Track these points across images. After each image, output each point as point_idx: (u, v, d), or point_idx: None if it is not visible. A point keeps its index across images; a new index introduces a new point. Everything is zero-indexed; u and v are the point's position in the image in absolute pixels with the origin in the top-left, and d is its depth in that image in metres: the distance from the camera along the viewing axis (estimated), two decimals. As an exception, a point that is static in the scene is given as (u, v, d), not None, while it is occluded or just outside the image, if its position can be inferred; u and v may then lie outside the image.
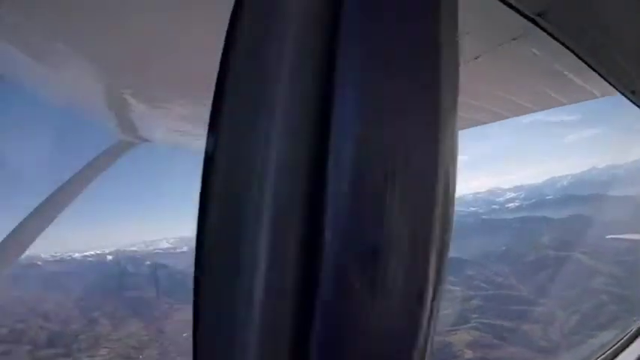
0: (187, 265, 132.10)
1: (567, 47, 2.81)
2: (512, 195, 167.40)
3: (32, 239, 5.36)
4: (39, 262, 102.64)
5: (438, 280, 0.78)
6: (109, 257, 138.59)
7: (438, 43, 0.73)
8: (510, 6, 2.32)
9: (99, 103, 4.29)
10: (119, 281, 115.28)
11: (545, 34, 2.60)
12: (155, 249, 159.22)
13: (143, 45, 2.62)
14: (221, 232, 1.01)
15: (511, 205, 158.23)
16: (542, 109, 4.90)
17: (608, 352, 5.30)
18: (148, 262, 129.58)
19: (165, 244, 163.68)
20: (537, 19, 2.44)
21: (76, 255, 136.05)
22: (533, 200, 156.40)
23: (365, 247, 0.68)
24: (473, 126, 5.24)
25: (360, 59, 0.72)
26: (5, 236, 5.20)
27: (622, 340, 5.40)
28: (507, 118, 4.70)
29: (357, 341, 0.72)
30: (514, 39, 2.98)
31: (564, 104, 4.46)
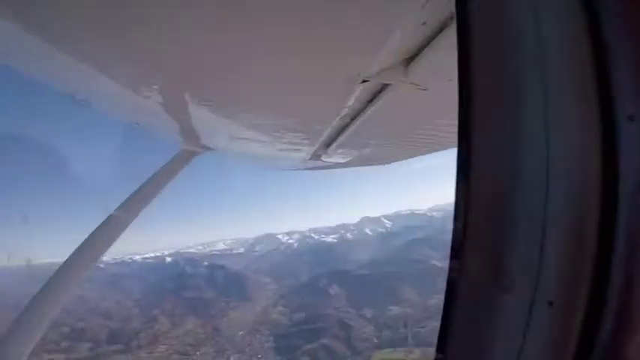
0: (243, 266, 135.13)
1: None
2: None
3: (108, 245, 5.18)
4: (101, 265, 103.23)
5: None
6: (168, 259, 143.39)
7: None
8: None
9: (162, 115, 4.18)
10: (178, 281, 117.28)
11: None
12: (212, 250, 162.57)
13: (205, 56, 2.66)
14: (484, 233, 0.97)
15: None
16: None
17: None
18: (206, 263, 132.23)
19: (221, 246, 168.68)
20: None
21: (137, 257, 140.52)
22: None
23: None
24: None
25: None
26: (82, 242, 4.85)
27: None
28: None
29: None
30: None
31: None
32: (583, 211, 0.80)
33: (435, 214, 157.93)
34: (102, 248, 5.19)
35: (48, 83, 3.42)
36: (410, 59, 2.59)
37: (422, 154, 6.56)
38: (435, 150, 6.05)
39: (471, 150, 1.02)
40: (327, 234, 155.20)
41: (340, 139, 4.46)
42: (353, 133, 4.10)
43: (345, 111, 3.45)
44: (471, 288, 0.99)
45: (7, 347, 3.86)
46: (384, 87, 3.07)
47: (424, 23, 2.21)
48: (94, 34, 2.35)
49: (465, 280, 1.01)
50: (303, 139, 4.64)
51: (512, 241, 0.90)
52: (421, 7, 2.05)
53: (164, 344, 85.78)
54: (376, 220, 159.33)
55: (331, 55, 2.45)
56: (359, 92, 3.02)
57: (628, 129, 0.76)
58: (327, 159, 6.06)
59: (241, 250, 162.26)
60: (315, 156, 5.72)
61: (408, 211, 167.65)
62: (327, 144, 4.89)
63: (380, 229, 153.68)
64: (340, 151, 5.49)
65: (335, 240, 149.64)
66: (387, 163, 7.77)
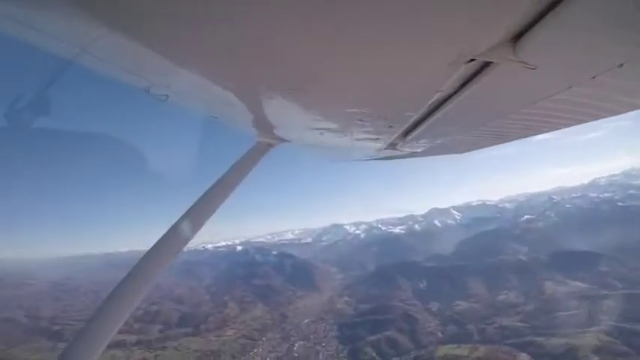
0: (311, 256, 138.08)
1: None
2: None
3: (189, 238, 5.16)
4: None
5: None
6: (239, 248, 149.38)
7: None
8: None
9: (241, 108, 4.21)
10: (247, 269, 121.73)
11: None
12: (281, 240, 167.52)
13: (281, 46, 2.52)
14: None
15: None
16: None
17: None
18: (275, 252, 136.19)
19: (290, 236, 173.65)
20: None
21: (209, 246, 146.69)
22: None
23: None
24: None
25: None
26: (163, 234, 5.01)
27: None
28: None
29: None
30: None
31: None
32: None
33: (506, 205, 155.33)
34: (183, 240, 5.20)
35: (123, 79, 3.45)
36: (518, 36, 2.36)
37: (504, 142, 6.27)
38: (521, 137, 5.75)
39: None
40: (394, 225, 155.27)
41: (423, 127, 4.33)
42: (438, 120, 3.96)
43: (439, 95, 3.29)
44: None
45: (90, 332, 4.03)
46: (481, 69, 2.86)
47: None
48: (173, 26, 2.36)
49: None
50: (386, 127, 4.50)
51: None
52: None
53: (232, 329, 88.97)
54: (445, 212, 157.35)
55: (434, 33, 2.25)
56: (457, 74, 2.83)
57: None
58: (402, 148, 6.02)
59: (309, 240, 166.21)
60: (391, 145, 5.65)
61: (479, 202, 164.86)
62: (407, 132, 4.76)
63: (449, 221, 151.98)
64: (419, 139, 5.41)
65: (402, 231, 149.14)
66: (465, 152, 7.51)
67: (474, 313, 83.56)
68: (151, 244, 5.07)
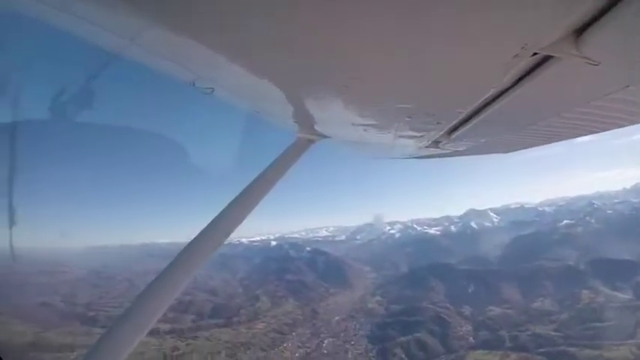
0: (344, 254, 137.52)
1: None
2: None
3: (228, 233, 5.26)
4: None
5: None
6: (273, 243, 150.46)
7: None
8: None
9: (282, 102, 4.20)
10: (281, 264, 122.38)
11: None
12: (315, 236, 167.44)
13: (330, 39, 2.49)
14: None
15: None
16: None
17: None
18: (308, 249, 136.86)
19: (324, 233, 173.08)
20: None
21: (244, 240, 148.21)
22: None
23: None
24: None
25: None
26: (204, 228, 5.07)
27: None
28: None
29: None
30: None
31: None
32: None
33: (546, 208, 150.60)
34: (223, 235, 5.28)
35: (168, 72, 3.51)
36: (581, 30, 2.25)
37: (551, 143, 6.07)
38: (569, 138, 5.56)
39: None
40: (429, 225, 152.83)
41: (471, 124, 4.20)
42: (488, 117, 3.83)
43: (493, 91, 3.19)
44: None
45: (129, 321, 4.10)
46: (538, 64, 2.74)
47: None
48: (221, 19, 2.39)
49: None
50: (433, 124, 4.38)
51: None
52: None
53: (263, 322, 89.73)
54: (483, 214, 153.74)
55: (499, 25, 2.18)
56: (515, 69, 2.74)
57: None
58: (445, 146, 5.86)
59: (343, 237, 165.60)
60: (434, 143, 5.53)
61: (517, 205, 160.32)
62: (453, 129, 4.63)
63: (486, 223, 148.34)
64: (465, 138, 5.24)
65: (438, 232, 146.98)
66: (509, 151, 7.27)
67: (507, 319, 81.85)
68: (190, 237, 5.07)
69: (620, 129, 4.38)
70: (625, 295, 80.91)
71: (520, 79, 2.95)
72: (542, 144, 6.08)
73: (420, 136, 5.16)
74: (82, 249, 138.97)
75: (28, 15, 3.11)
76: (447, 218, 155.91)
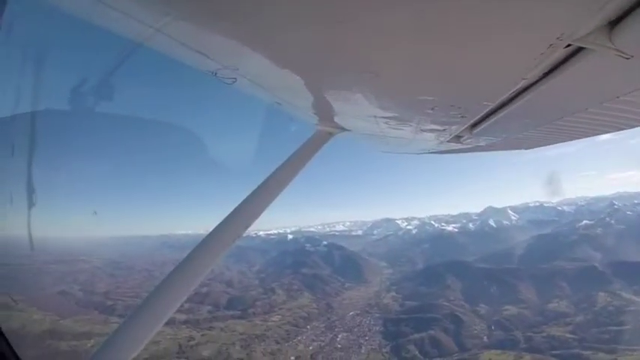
0: (360, 248, 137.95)
1: None
2: None
3: (246, 226, 5.23)
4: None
5: None
6: (290, 236, 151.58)
7: None
8: None
9: (304, 94, 4.24)
10: (297, 258, 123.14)
11: None
12: (332, 230, 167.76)
13: (348, 28, 2.45)
14: None
15: None
16: None
17: None
18: (325, 243, 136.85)
19: (341, 227, 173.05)
20: None
21: (261, 233, 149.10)
22: None
23: None
24: None
25: None
26: (221, 221, 5.01)
27: None
28: None
29: None
30: None
31: None
32: None
33: (565, 208, 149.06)
34: (241, 227, 5.26)
35: (191, 62, 3.52)
36: (614, 22, 2.20)
37: (576, 139, 5.92)
38: (595, 134, 5.42)
39: None
40: (447, 222, 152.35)
41: (495, 118, 4.11)
42: (514, 111, 3.74)
43: (523, 83, 3.08)
44: None
45: (148, 311, 4.13)
46: (569, 57, 2.69)
47: None
48: (245, 9, 2.39)
49: None
50: (458, 117, 4.26)
51: None
52: None
53: (278, 315, 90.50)
54: (501, 212, 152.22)
55: (534, 14, 2.11)
56: (546, 62, 2.69)
57: None
58: (466, 141, 5.79)
59: (359, 232, 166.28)
60: (456, 138, 5.46)
61: (537, 203, 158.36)
62: (476, 124, 4.55)
63: (505, 222, 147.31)
64: (487, 132, 5.18)
65: (455, 229, 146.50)
66: (532, 147, 7.14)
67: (523, 320, 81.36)
68: (208, 229, 5.09)
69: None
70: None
71: (549, 71, 2.85)
72: (567, 140, 5.95)
73: (442, 130, 5.04)
74: (102, 239, 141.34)
75: (49, 3, 3.10)
76: (465, 215, 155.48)
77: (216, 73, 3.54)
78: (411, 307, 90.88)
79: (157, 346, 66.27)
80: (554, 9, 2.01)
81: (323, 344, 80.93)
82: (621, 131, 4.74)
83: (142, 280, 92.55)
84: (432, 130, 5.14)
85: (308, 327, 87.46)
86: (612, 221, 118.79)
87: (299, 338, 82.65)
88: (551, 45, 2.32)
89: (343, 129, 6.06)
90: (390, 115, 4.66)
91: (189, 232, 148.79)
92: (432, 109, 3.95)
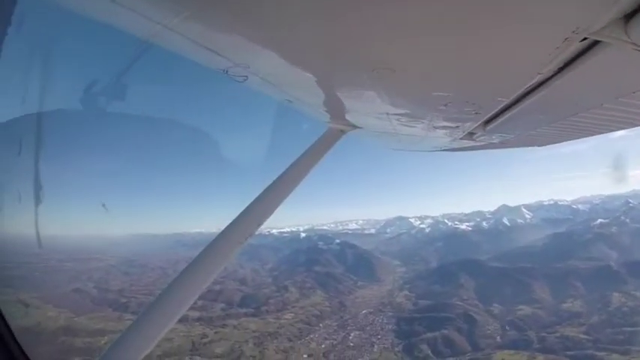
0: (373, 247, 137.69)
1: None
2: None
3: (259, 224, 5.27)
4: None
5: None
6: (303, 234, 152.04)
7: None
8: None
9: (316, 92, 4.26)
10: (310, 256, 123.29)
11: None
12: (344, 229, 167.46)
13: (360, 24, 2.46)
14: None
15: None
16: None
17: None
18: (338, 241, 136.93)
19: (354, 225, 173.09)
20: None
21: (274, 231, 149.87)
22: None
23: None
24: None
25: None
26: (233, 219, 5.10)
27: None
28: None
29: None
30: None
31: None
32: None
33: (580, 206, 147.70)
34: (254, 225, 5.29)
35: (202, 60, 3.53)
36: (630, 15, 2.18)
37: (590, 136, 5.85)
38: (610, 131, 5.42)
39: None
40: (461, 221, 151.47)
41: (509, 114, 4.09)
42: (529, 107, 3.72)
43: (539, 78, 3.05)
44: None
45: (161, 308, 4.16)
46: (584, 51, 2.68)
47: None
48: (258, 8, 2.40)
49: None
50: (472, 113, 4.25)
51: None
52: None
53: (291, 313, 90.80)
54: (515, 210, 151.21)
55: (550, 7, 2.11)
56: (562, 56, 2.67)
57: None
58: (479, 138, 5.79)
59: (372, 230, 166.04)
60: (468, 135, 5.46)
61: (551, 202, 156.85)
62: (489, 120, 4.53)
63: (519, 220, 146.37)
64: (501, 129, 5.16)
65: (469, 228, 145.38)
66: (545, 144, 7.12)
67: (536, 320, 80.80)
68: (221, 227, 5.07)
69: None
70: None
71: (564, 66, 2.82)
72: (581, 137, 5.90)
73: (455, 127, 5.00)
74: (117, 238, 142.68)
75: (58, 2, 3.13)
76: (479, 214, 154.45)
77: (227, 71, 3.55)
78: (424, 306, 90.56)
79: (171, 343, 66.93)
80: (569, 2, 2.00)
81: (335, 342, 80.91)
82: (637, 127, 4.69)
83: (155, 278, 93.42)
84: (444, 127, 5.10)
85: (320, 325, 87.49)
86: (627, 220, 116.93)
87: (311, 336, 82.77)
88: (566, 39, 2.28)
89: (355, 126, 6.04)
90: (403, 112, 4.62)
91: (203, 230, 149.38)
92: (446, 105, 3.92)
